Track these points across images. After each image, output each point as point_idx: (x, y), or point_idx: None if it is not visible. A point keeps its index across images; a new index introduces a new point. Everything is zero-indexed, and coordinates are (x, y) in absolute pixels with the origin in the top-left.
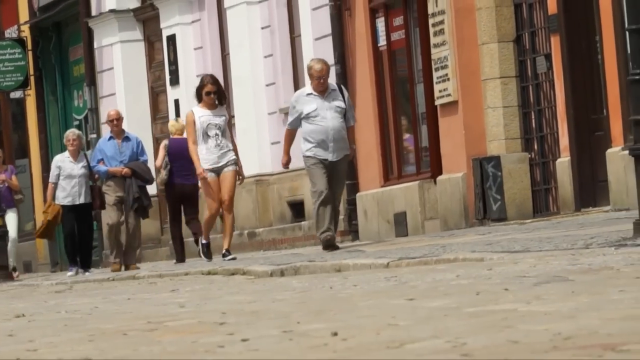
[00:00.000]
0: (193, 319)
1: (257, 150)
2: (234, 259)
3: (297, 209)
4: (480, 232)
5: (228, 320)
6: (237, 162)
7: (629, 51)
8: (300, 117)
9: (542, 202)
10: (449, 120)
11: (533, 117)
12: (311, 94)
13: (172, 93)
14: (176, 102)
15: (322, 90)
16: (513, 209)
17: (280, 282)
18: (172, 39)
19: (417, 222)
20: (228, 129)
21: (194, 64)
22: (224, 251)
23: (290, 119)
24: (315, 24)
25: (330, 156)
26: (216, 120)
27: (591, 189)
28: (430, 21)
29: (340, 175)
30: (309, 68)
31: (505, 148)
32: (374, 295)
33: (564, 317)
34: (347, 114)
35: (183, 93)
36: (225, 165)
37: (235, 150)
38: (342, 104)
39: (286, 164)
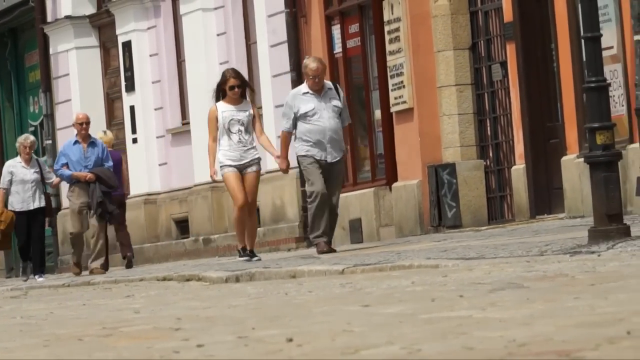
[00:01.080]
0: (148, 325)
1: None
2: (259, 259)
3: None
4: (435, 239)
5: (183, 326)
6: (259, 162)
7: (584, 59)
8: (294, 118)
9: (497, 209)
10: (405, 127)
11: (488, 124)
12: (307, 92)
13: (127, 99)
14: (132, 108)
15: (318, 89)
16: (468, 216)
17: (236, 288)
18: (127, 46)
19: (372, 229)
20: (257, 123)
21: (149, 71)
22: (247, 250)
23: (285, 120)
24: (271, 30)
25: (327, 157)
26: (239, 116)
27: (546, 197)
28: (386, 28)
29: (338, 176)
30: (304, 67)
31: (461, 155)
32: (329, 302)
33: (518, 323)
34: (342, 114)
35: (139, 99)
36: (249, 164)
37: (266, 142)
38: (339, 104)
39: (286, 170)
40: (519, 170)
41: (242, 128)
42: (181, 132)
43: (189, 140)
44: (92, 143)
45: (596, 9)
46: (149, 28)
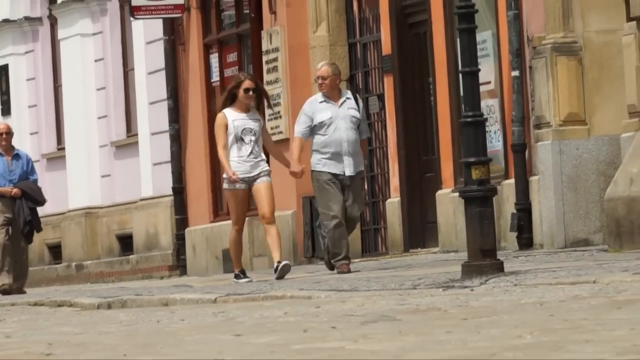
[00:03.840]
0: (19, 349)
1: (87, 182)
2: (287, 264)
3: (126, 242)
4: (308, 270)
5: (54, 352)
6: (270, 173)
7: (461, 93)
8: (311, 126)
9: (371, 242)
10: None
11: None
12: (324, 101)
13: None
14: None
15: (333, 96)
16: None
17: (107, 315)
18: (4, 69)
19: (245, 258)
20: (266, 133)
21: (26, 95)
22: (275, 264)
23: (299, 125)
24: (149, 57)
25: (344, 170)
26: (251, 125)
27: (420, 230)
28: (264, 58)
29: (356, 190)
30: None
31: None
32: (201, 330)
33: (391, 356)
34: (360, 126)
35: (15, 123)
36: (258, 176)
37: (279, 154)
38: (357, 114)
39: (300, 174)
40: (393, 204)
41: (254, 138)
42: (56, 157)
43: (63, 165)
44: (16, 155)
45: (475, 43)
46: (26, 52)
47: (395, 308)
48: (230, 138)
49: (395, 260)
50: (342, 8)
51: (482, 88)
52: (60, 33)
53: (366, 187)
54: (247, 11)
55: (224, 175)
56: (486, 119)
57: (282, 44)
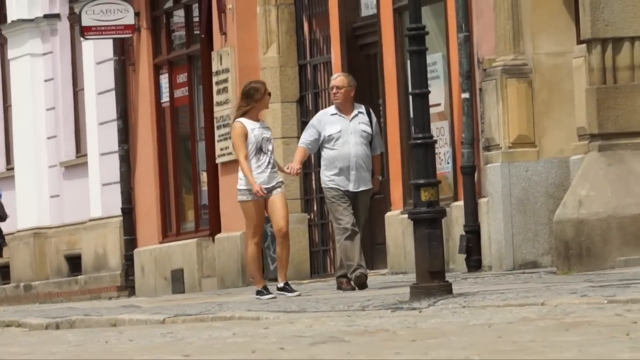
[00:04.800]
0: None
1: (36, 203)
2: (298, 294)
3: (74, 262)
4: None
5: None
6: (283, 184)
7: (411, 115)
8: (318, 139)
9: (320, 263)
10: (230, 179)
11: (313, 178)
12: (335, 114)
13: None
14: None
15: (345, 109)
16: (290, 269)
17: (56, 335)
18: None
19: (194, 279)
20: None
21: None
22: (281, 284)
23: (304, 137)
24: (99, 77)
25: (351, 186)
26: (267, 134)
27: (369, 252)
28: (214, 79)
29: (362, 208)
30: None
31: None
32: (150, 351)
33: None
34: (373, 141)
35: None
36: (275, 187)
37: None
38: (368, 129)
39: (297, 172)
40: None
41: (271, 147)
42: (5, 177)
43: (12, 185)
44: None
45: (425, 65)
46: None
47: (344, 329)
48: (251, 147)
49: None
50: (293, 29)
51: (432, 110)
52: (10, 53)
53: (315, 208)
54: (198, 32)
55: (240, 187)
56: (436, 141)
57: (233, 65)
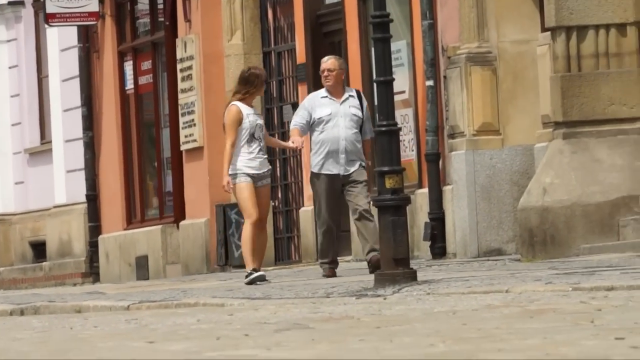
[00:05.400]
0: None
1: (1, 189)
2: (262, 275)
3: (39, 249)
4: (221, 277)
5: None
6: (271, 174)
7: (376, 103)
8: (309, 121)
9: (285, 250)
10: (194, 165)
11: (278, 165)
12: (326, 96)
13: None
14: None
15: (336, 92)
16: None
17: (20, 321)
18: None
19: (158, 266)
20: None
21: None
22: (250, 270)
23: (296, 119)
24: (63, 65)
25: (341, 170)
26: (260, 121)
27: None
28: (179, 66)
29: (359, 188)
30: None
31: None
32: (114, 337)
33: None
34: (364, 126)
35: None
36: (264, 175)
37: (270, 141)
38: (359, 113)
39: (301, 145)
40: (307, 212)
41: (262, 134)
42: None
43: None
44: None
45: (389, 53)
46: None
47: (309, 316)
48: (244, 133)
49: (308, 269)
50: (257, 17)
51: (397, 97)
52: None
53: (280, 195)
54: (162, 19)
55: (230, 172)
56: (400, 129)
57: (197, 52)
